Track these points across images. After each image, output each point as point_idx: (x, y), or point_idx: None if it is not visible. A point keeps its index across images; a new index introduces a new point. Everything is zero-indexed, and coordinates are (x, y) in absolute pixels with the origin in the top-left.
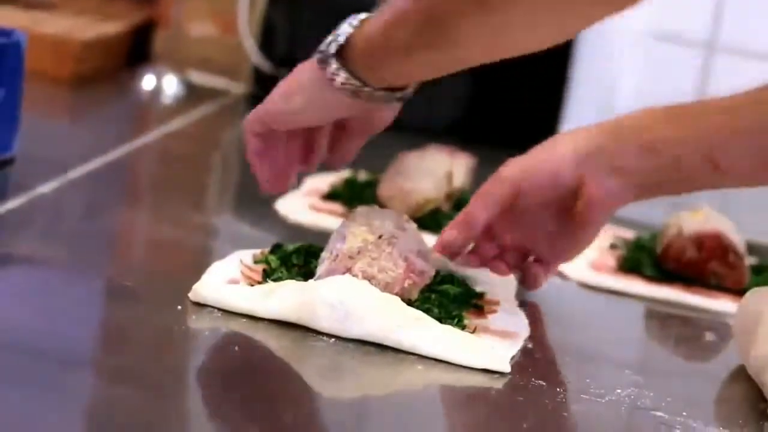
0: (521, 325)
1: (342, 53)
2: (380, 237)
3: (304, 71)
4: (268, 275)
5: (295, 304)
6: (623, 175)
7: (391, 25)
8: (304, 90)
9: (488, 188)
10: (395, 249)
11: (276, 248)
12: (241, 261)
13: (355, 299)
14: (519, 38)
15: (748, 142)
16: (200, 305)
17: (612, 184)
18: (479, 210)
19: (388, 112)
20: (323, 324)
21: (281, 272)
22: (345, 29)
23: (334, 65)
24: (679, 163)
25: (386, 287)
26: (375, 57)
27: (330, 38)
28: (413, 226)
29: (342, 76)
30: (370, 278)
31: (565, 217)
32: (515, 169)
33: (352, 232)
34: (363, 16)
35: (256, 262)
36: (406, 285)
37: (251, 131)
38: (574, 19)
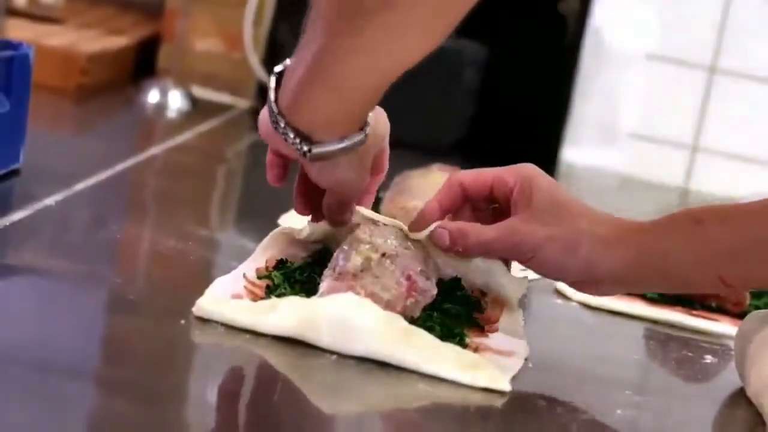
0: (521, 345)
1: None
2: (383, 255)
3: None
4: (271, 291)
5: (298, 321)
6: (628, 287)
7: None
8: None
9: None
10: (398, 267)
11: (280, 264)
12: (244, 276)
13: (357, 317)
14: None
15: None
16: (203, 320)
17: (611, 290)
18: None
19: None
20: (325, 341)
21: (284, 288)
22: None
23: (280, 124)
24: (689, 283)
25: (388, 305)
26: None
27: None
28: (418, 243)
29: (290, 137)
30: (372, 296)
31: None
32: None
33: (356, 250)
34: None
35: (259, 277)
36: (408, 303)
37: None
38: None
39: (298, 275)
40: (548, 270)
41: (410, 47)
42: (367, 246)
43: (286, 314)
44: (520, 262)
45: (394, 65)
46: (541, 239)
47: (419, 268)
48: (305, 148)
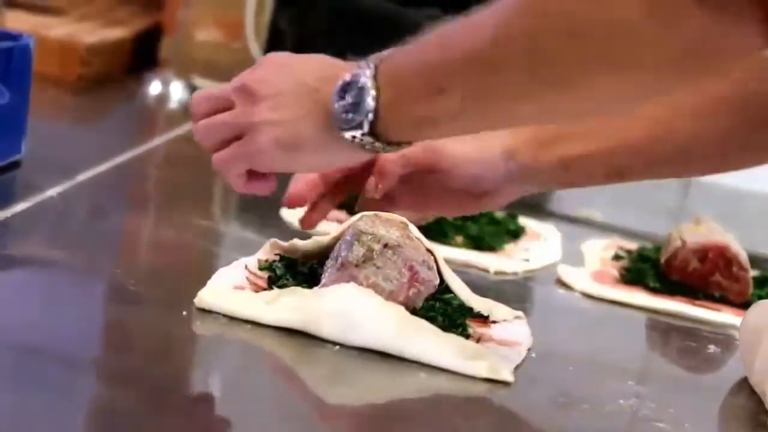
0: (524, 335)
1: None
2: (385, 246)
3: (308, 126)
4: (273, 282)
5: (300, 312)
6: (536, 185)
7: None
8: (313, 145)
9: (387, 164)
10: (400, 258)
11: (282, 255)
12: (246, 267)
13: (358, 308)
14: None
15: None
16: (205, 310)
17: (518, 190)
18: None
19: None
20: (327, 332)
21: (286, 279)
22: (368, 102)
23: (360, 133)
24: (590, 179)
25: (390, 296)
26: (414, 126)
27: (350, 107)
28: (419, 234)
29: (367, 140)
30: (374, 287)
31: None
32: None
33: (358, 240)
34: (374, 64)
35: (261, 268)
36: (410, 294)
37: (234, 177)
38: None
39: (300, 266)
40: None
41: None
42: (369, 237)
43: (288, 305)
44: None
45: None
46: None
47: (421, 259)
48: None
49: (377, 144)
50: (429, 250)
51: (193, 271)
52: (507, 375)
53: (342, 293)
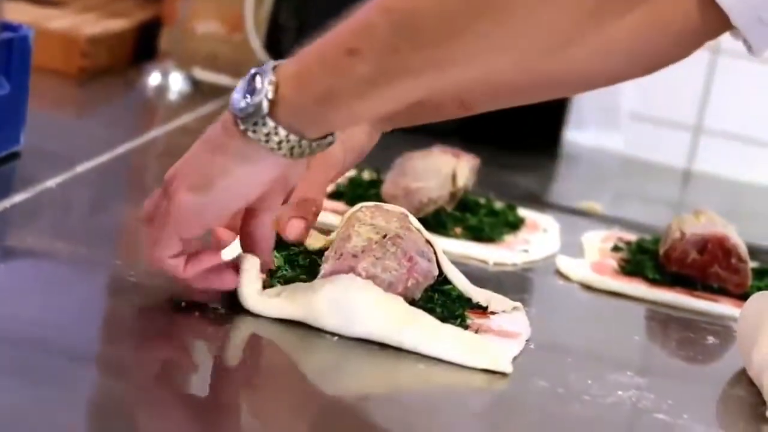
0: (523, 326)
1: (271, 110)
2: (385, 236)
3: (216, 144)
4: (272, 274)
5: (299, 303)
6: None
7: (334, 58)
8: (225, 168)
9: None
10: (399, 249)
11: (282, 247)
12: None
13: (358, 299)
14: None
15: None
16: (204, 302)
17: None
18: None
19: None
20: (326, 323)
21: (285, 271)
22: (265, 83)
23: (269, 125)
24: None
25: (389, 287)
26: (317, 103)
27: (243, 96)
28: (418, 225)
29: (280, 135)
30: (373, 277)
31: None
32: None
33: (357, 231)
34: (273, 63)
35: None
36: (409, 285)
37: (171, 261)
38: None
39: (301, 259)
40: None
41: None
42: (369, 227)
43: (288, 297)
44: None
45: (450, 86)
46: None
47: (421, 250)
48: (319, 144)
49: (283, 135)
50: (428, 241)
51: None
52: (506, 366)
53: (341, 284)
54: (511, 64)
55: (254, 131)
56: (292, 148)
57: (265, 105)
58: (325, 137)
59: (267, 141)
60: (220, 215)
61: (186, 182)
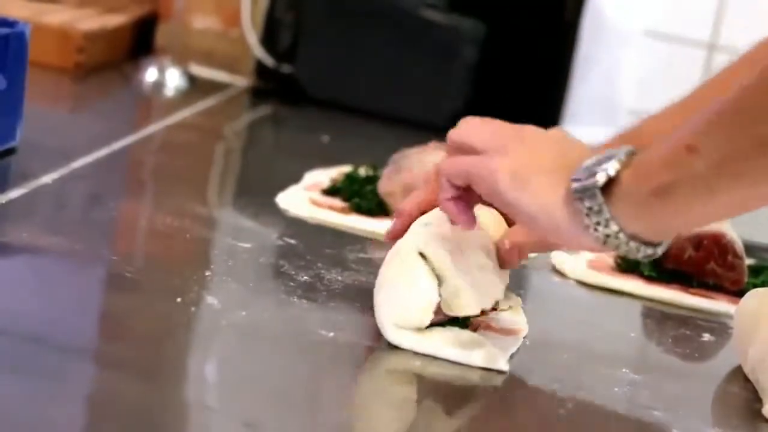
0: (522, 323)
1: (607, 190)
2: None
3: (557, 203)
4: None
5: None
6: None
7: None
8: (553, 226)
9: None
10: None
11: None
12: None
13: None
14: None
15: None
16: (200, 297)
17: None
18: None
19: None
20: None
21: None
22: (612, 163)
23: (597, 200)
24: None
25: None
26: (654, 199)
27: (593, 168)
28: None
29: (603, 230)
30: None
31: None
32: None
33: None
34: (630, 148)
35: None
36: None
37: (450, 181)
38: None
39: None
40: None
41: None
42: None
43: None
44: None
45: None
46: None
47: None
48: (650, 252)
49: (612, 226)
50: None
51: (189, 258)
52: (502, 364)
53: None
54: None
55: (581, 199)
56: (607, 236)
57: (602, 178)
58: (644, 242)
59: (587, 215)
60: (503, 206)
61: (513, 164)
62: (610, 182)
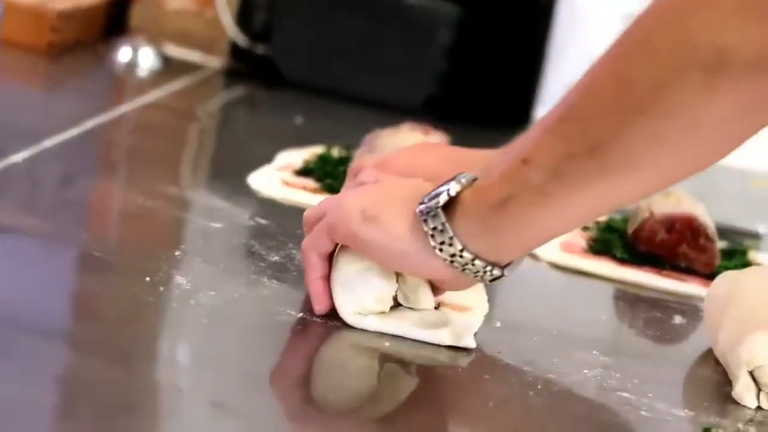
0: (481, 300)
1: (448, 209)
2: None
3: (405, 231)
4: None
5: None
6: None
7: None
8: (403, 250)
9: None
10: None
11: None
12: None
13: None
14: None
15: None
16: (171, 277)
17: None
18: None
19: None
20: None
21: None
22: (453, 184)
23: (440, 219)
24: None
25: None
26: (493, 214)
27: (437, 191)
28: None
29: (447, 249)
30: None
31: None
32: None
33: None
34: (473, 175)
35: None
36: None
37: (317, 252)
38: None
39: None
40: None
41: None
42: None
43: None
44: None
45: (607, 209)
46: None
47: None
48: (497, 273)
49: (456, 244)
50: None
51: (162, 239)
52: (469, 341)
53: None
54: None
55: (425, 221)
56: (452, 255)
57: (443, 199)
58: (490, 263)
59: (432, 236)
60: (361, 244)
61: (363, 201)
62: (454, 202)
